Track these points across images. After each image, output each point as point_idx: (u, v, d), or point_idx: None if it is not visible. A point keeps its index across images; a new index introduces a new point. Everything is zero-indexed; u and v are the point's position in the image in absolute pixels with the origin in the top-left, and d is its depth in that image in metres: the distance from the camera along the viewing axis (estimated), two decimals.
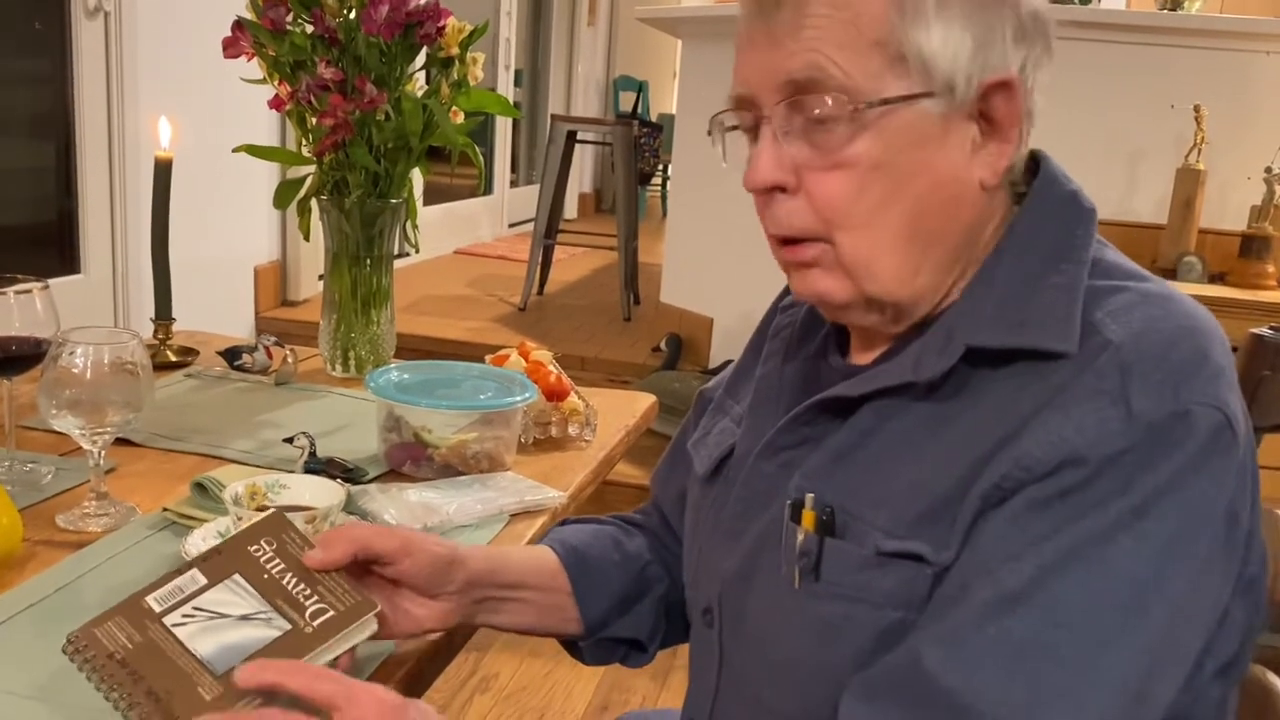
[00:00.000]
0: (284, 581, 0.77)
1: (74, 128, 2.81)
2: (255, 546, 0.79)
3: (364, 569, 0.81)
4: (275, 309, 3.72)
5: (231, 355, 1.52)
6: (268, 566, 0.78)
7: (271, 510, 0.85)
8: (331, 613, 0.76)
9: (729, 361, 3.40)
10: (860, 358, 0.81)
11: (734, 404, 0.90)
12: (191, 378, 1.49)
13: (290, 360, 1.50)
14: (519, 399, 1.20)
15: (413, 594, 0.82)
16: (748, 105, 0.74)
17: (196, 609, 0.74)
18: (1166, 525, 0.63)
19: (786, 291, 0.91)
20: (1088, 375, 0.65)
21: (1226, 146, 2.82)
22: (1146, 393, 0.64)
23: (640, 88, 7.34)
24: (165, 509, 1.03)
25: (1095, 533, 0.63)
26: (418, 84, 1.46)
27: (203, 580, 0.76)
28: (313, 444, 1.15)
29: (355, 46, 1.35)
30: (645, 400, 1.54)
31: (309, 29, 1.35)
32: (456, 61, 1.43)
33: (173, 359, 1.53)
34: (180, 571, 0.76)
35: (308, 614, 0.75)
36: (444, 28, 1.39)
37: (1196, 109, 2.74)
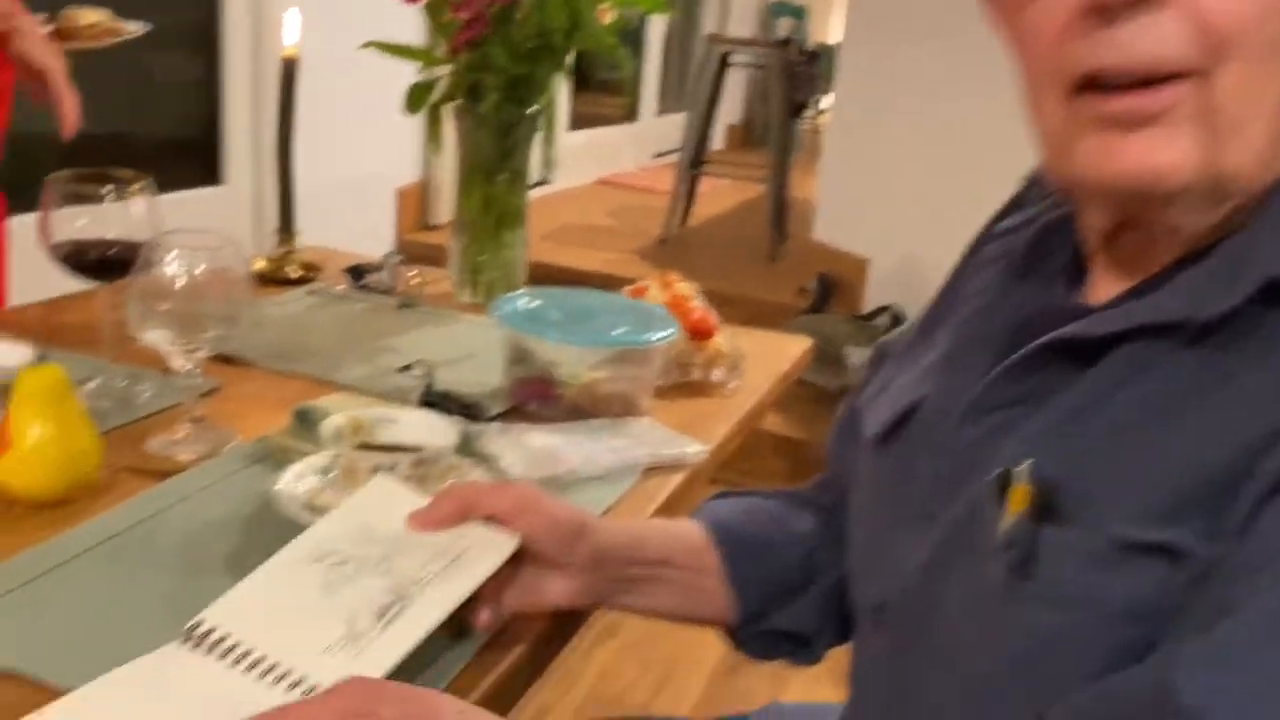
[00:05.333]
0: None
1: (220, 40, 2.80)
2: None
3: None
4: (416, 233, 3.66)
5: (356, 274, 1.42)
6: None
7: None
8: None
9: (883, 308, 3.15)
10: (1101, 293, 0.62)
11: (923, 353, 0.72)
12: (313, 295, 1.39)
13: (417, 282, 1.39)
14: (659, 336, 1.05)
15: (535, 566, 0.69)
16: None
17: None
18: None
19: (1001, 215, 0.72)
20: None
21: None
22: None
23: (798, 14, 7.03)
24: (265, 438, 0.92)
25: None
26: None
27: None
28: (430, 374, 1.03)
29: None
30: (799, 344, 1.37)
31: None
32: None
33: (294, 274, 1.44)
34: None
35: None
36: None
37: None
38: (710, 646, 2.08)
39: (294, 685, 0.58)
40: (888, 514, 0.68)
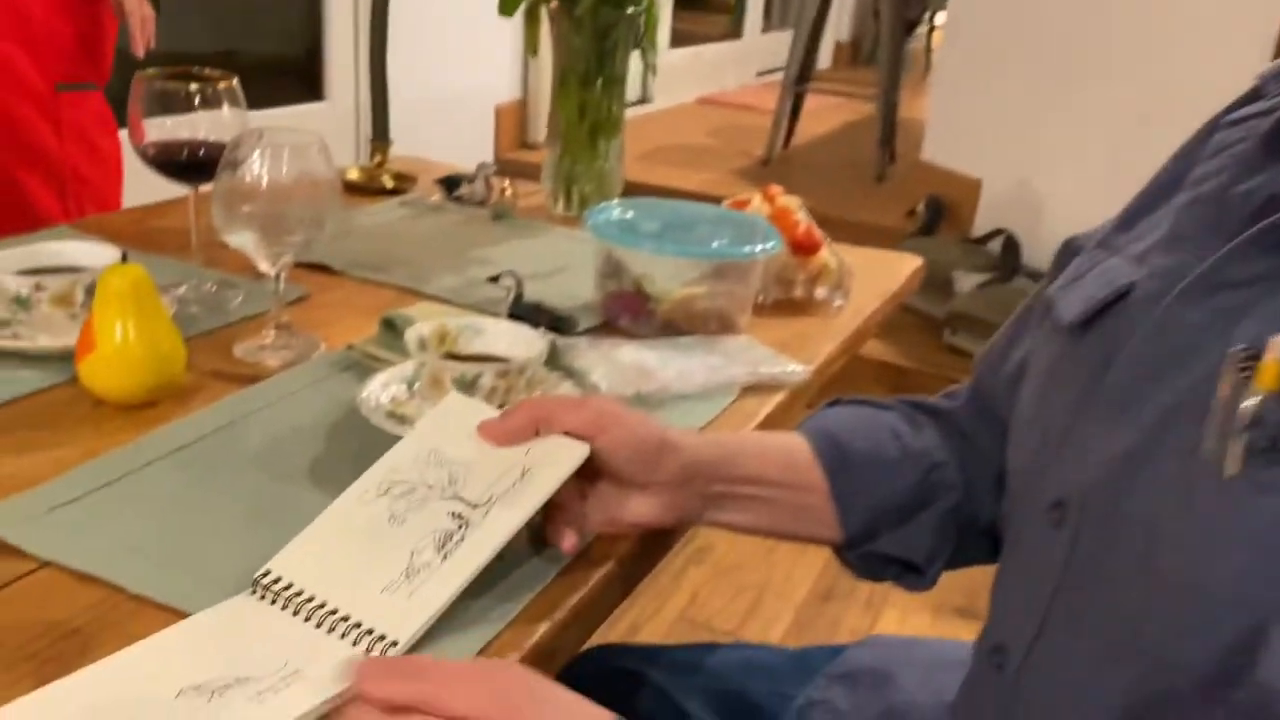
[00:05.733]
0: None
1: None
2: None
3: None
4: (515, 151, 3.62)
5: (449, 184, 1.38)
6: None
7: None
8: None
9: (996, 231, 3.01)
10: None
11: (1128, 244, 0.65)
12: (405, 206, 1.36)
13: (509, 193, 1.35)
14: (760, 249, 0.99)
15: (617, 485, 0.66)
16: None
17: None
18: None
19: (1235, 105, 0.65)
20: None
21: None
22: None
23: None
24: (351, 346, 0.90)
25: None
26: None
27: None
28: (519, 285, 0.99)
29: None
30: (910, 263, 1.29)
31: None
32: None
33: (388, 185, 1.41)
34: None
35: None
36: None
37: None
38: (803, 575, 2.05)
39: (358, 636, 0.55)
40: (1078, 404, 0.61)
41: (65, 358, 0.80)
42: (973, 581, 1.97)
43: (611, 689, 0.86)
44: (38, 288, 0.84)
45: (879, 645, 0.88)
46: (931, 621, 1.93)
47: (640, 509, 0.66)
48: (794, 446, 0.73)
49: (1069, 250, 0.71)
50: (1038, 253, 2.82)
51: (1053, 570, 0.59)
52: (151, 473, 0.70)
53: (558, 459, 0.63)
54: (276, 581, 0.59)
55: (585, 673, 0.90)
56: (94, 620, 0.56)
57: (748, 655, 0.89)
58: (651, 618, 1.90)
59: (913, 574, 0.74)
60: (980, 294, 2.65)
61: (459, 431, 0.66)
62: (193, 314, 0.95)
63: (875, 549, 0.73)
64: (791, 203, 1.18)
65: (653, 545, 0.71)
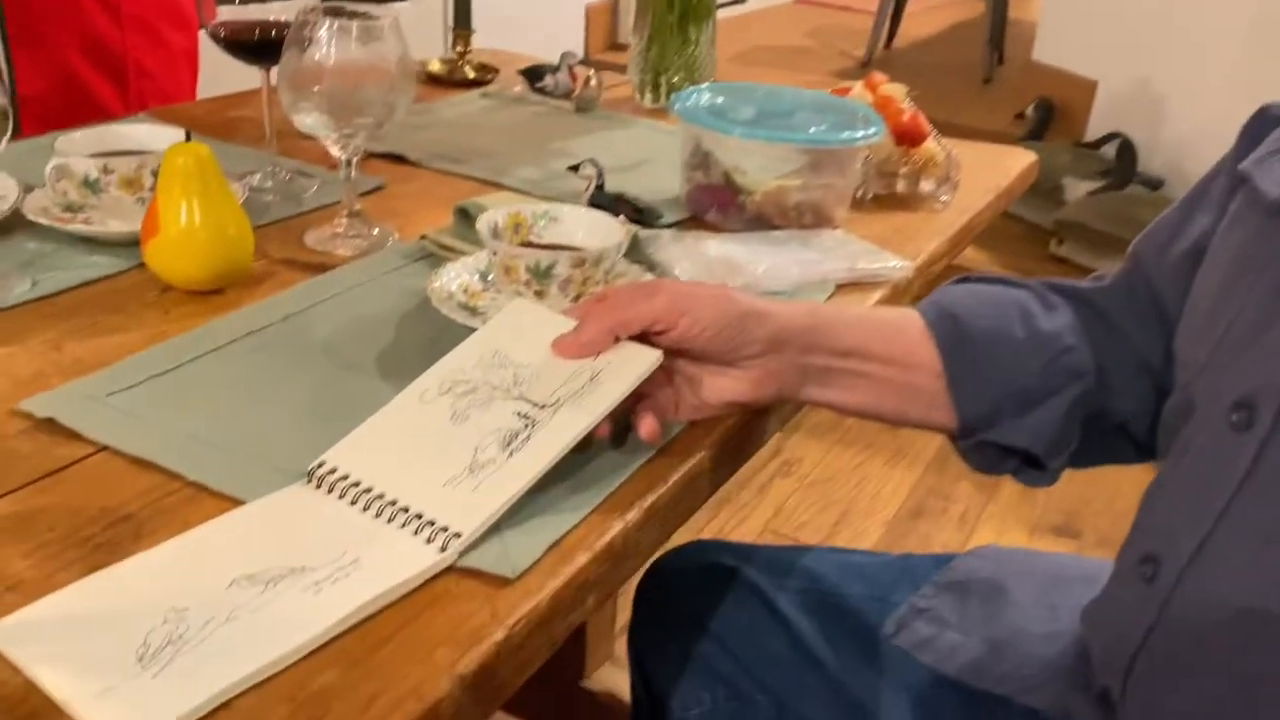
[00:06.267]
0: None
1: None
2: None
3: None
4: (605, 52, 3.53)
5: (533, 75, 1.33)
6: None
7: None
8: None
9: (1111, 135, 2.83)
10: None
11: None
12: (487, 97, 1.31)
13: (595, 84, 1.29)
14: (861, 136, 0.92)
15: (702, 367, 0.61)
16: None
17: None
18: None
19: None
20: None
21: None
22: None
23: None
24: (424, 236, 0.86)
25: None
26: None
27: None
28: (600, 174, 0.93)
29: None
30: (1022, 158, 1.20)
31: None
32: None
33: (469, 76, 1.36)
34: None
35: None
36: None
37: None
38: (893, 491, 1.99)
39: (419, 526, 0.52)
40: (1277, 292, 0.54)
41: (134, 243, 0.78)
42: (1071, 498, 1.88)
43: (704, 584, 0.83)
44: (106, 170, 0.81)
45: (993, 556, 0.82)
46: (1028, 541, 1.86)
47: (730, 387, 0.61)
48: (905, 321, 0.66)
49: (1265, 120, 0.62)
50: (1156, 158, 2.65)
51: (1230, 476, 0.53)
52: (215, 359, 0.68)
53: (629, 365, 0.59)
54: (332, 472, 0.55)
55: (678, 566, 0.87)
56: (148, 506, 0.54)
57: (846, 558, 0.84)
58: (735, 529, 1.87)
59: (1034, 468, 0.67)
60: (1092, 201, 2.50)
61: (524, 336, 0.62)
62: (266, 202, 0.92)
63: (993, 438, 0.65)
64: (896, 91, 1.09)
65: (740, 439, 0.66)
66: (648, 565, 0.87)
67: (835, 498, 1.97)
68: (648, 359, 0.59)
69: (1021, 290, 0.69)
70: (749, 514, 1.91)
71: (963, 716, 0.72)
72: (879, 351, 0.64)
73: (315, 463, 0.56)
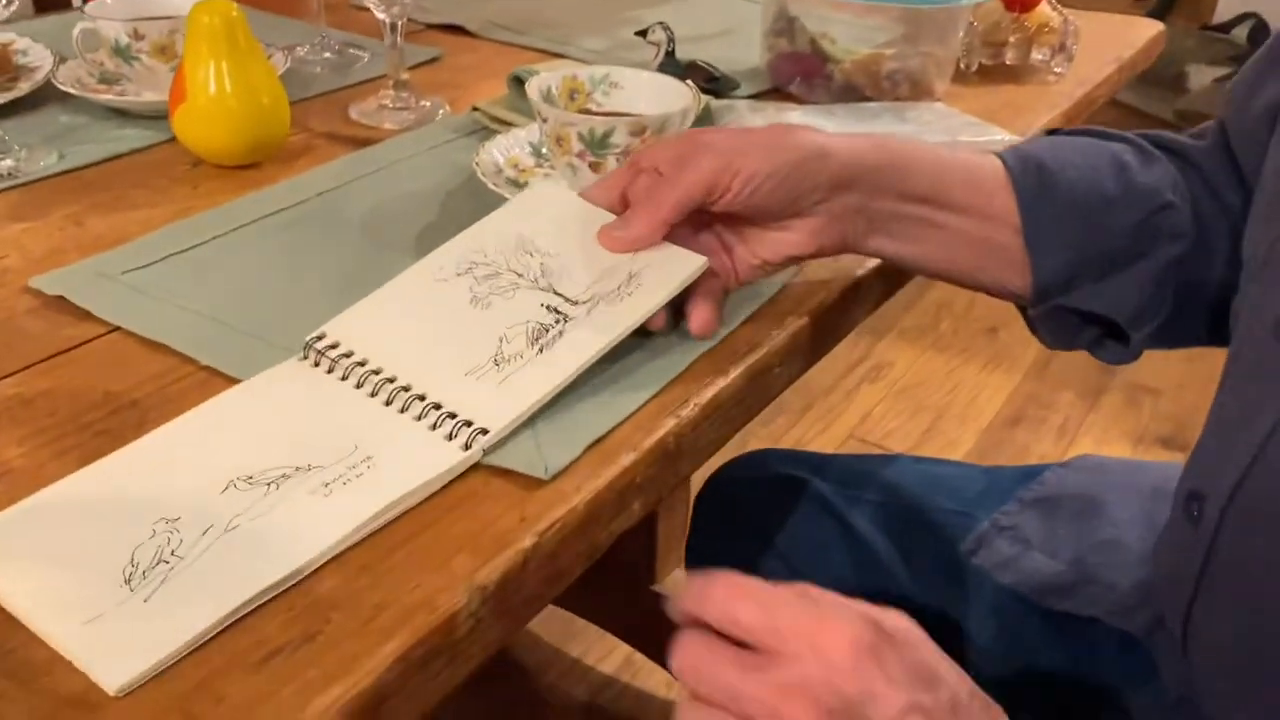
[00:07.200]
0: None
1: None
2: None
3: (698, 221, 0.54)
4: None
5: None
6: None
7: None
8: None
9: (1243, 16, 2.59)
10: None
11: None
12: None
13: None
14: None
15: (761, 225, 0.54)
16: None
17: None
18: None
19: None
20: None
21: None
22: None
23: None
24: (475, 108, 0.79)
25: None
26: None
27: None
28: (671, 39, 0.85)
29: None
30: (1147, 28, 1.07)
31: None
32: None
33: None
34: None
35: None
36: None
37: None
38: (989, 398, 1.89)
39: (439, 419, 0.46)
40: None
41: (166, 115, 0.73)
42: (1183, 406, 1.73)
43: (770, 496, 0.76)
44: (136, 35, 0.75)
45: (1088, 468, 0.73)
46: (1132, 454, 1.75)
47: (791, 238, 0.53)
48: (986, 168, 0.56)
49: None
50: None
51: (1275, 398, 0.44)
52: (241, 237, 0.62)
53: (670, 268, 0.52)
54: (334, 347, 0.50)
55: (742, 475, 0.80)
56: (155, 393, 0.49)
57: (930, 469, 0.76)
58: (818, 436, 1.80)
59: (1115, 341, 0.58)
60: (1219, 89, 2.30)
61: (551, 222, 0.55)
62: (313, 74, 0.86)
63: (1071, 303, 0.56)
64: None
65: (816, 333, 0.59)
66: (710, 474, 0.81)
67: (926, 404, 1.88)
68: (690, 265, 0.52)
69: (1119, 142, 0.59)
70: (834, 420, 1.84)
71: (1048, 640, 0.65)
72: (957, 199, 0.55)
73: (314, 334, 0.50)
